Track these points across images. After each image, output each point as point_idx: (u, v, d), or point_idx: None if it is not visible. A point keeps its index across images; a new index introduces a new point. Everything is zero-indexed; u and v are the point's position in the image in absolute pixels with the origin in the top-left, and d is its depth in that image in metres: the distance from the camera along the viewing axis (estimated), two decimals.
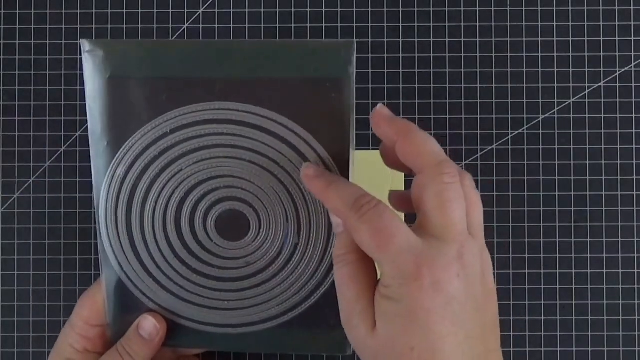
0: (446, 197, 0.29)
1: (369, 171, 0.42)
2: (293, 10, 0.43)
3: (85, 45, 0.33)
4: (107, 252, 0.34)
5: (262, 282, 0.35)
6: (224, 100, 0.33)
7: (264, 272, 0.35)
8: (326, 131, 0.33)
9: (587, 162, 0.43)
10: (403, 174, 0.42)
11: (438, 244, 0.28)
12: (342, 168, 0.33)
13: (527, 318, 0.42)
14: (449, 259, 0.28)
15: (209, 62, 0.33)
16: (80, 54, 0.43)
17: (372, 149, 0.42)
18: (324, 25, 0.43)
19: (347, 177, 0.33)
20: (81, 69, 0.43)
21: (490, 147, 0.43)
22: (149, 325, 0.34)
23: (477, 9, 0.43)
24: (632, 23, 0.43)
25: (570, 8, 0.43)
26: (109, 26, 0.43)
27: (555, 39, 0.43)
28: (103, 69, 0.33)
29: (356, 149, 0.42)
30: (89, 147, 0.43)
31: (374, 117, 0.31)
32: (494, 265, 0.42)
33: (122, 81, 0.33)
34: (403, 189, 0.42)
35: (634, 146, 0.43)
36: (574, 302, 0.42)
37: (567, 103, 0.43)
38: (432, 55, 0.43)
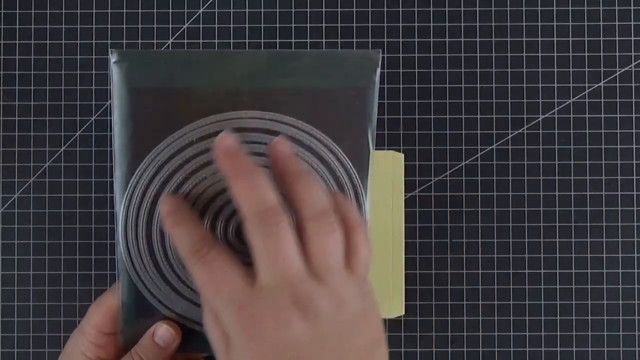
0: (274, 242, 0.28)
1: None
2: (293, 10, 0.43)
3: (114, 55, 0.33)
4: (124, 259, 0.34)
5: None
6: (250, 109, 0.33)
7: None
8: (348, 138, 0.33)
9: (587, 162, 0.43)
10: (403, 174, 0.42)
11: (266, 290, 0.28)
12: (362, 175, 0.34)
13: (527, 318, 0.42)
14: (277, 307, 0.28)
15: (235, 71, 0.33)
16: (80, 54, 0.43)
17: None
18: (324, 25, 0.43)
19: (366, 184, 0.33)
20: (82, 69, 0.43)
21: (490, 147, 0.43)
22: (164, 332, 0.34)
23: (477, 9, 0.43)
24: (632, 23, 0.43)
25: (570, 8, 0.43)
26: (109, 26, 0.43)
27: (555, 39, 0.43)
28: (130, 79, 0.33)
29: None
30: (88, 147, 0.43)
31: (216, 148, 0.31)
32: (494, 265, 0.42)
33: (149, 91, 0.33)
34: (403, 188, 0.42)
35: (634, 146, 0.43)
36: (574, 302, 0.42)
37: (567, 103, 0.43)
38: (432, 55, 0.43)
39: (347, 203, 0.32)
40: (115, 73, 0.33)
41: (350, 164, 0.34)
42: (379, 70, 0.33)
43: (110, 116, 0.35)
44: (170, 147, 0.33)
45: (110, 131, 0.43)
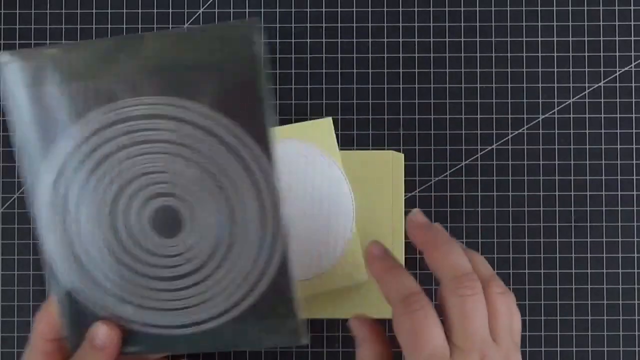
0: (465, 309, 0.31)
1: (368, 171, 0.42)
2: (293, 10, 0.43)
3: (4, 57, 0.33)
4: (50, 263, 0.34)
5: (206, 276, 0.34)
6: (142, 95, 0.33)
7: (206, 267, 0.34)
8: (244, 114, 0.33)
9: (587, 162, 0.43)
10: (403, 174, 0.42)
11: (460, 353, 0.31)
12: (265, 148, 0.33)
13: (527, 318, 0.42)
14: None
15: (121, 58, 0.33)
16: None
17: (373, 149, 0.42)
18: (324, 25, 0.43)
19: (271, 157, 0.33)
20: None
21: (490, 147, 0.43)
22: (101, 333, 0.34)
23: (477, 9, 0.43)
24: (632, 23, 0.43)
25: (570, 8, 0.43)
26: (109, 26, 0.43)
27: (555, 39, 0.43)
28: (22, 78, 0.33)
29: (356, 149, 0.42)
30: None
31: (409, 223, 0.34)
32: (494, 265, 0.42)
33: (43, 88, 0.33)
34: (403, 188, 0.42)
35: (634, 146, 0.43)
36: (574, 302, 0.42)
37: (567, 103, 0.43)
38: (432, 55, 0.43)
39: (481, 262, 0.34)
40: (8, 75, 0.33)
41: (257, 145, 0.33)
42: (261, 40, 0.32)
43: (5, 117, 0.34)
44: (69, 143, 0.33)
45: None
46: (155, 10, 0.43)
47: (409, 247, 0.42)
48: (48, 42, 0.43)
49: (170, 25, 0.43)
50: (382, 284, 0.33)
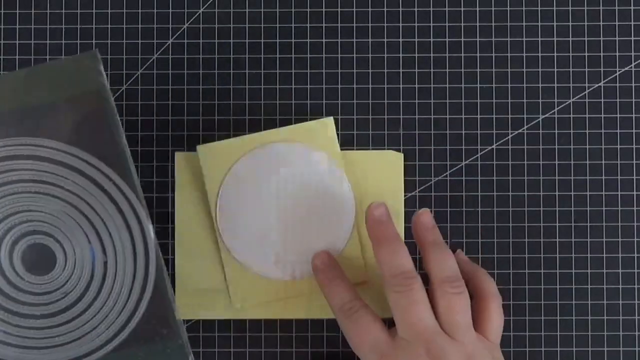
0: (400, 303, 0.34)
1: (368, 171, 0.42)
2: (293, 10, 0.43)
3: None
4: None
5: (85, 308, 0.35)
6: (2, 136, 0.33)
7: (84, 298, 0.35)
8: (98, 144, 0.34)
9: (587, 162, 0.43)
10: (402, 174, 0.42)
11: (403, 342, 0.34)
12: (124, 175, 0.34)
13: (527, 318, 0.42)
14: (412, 356, 0.33)
15: None
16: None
17: (373, 149, 0.42)
18: (324, 25, 0.43)
19: (133, 182, 0.34)
20: None
21: (490, 147, 0.43)
22: None
23: (477, 9, 0.43)
24: (632, 23, 0.43)
25: (570, 8, 0.43)
26: (109, 26, 0.43)
27: (555, 39, 0.43)
28: None
29: (356, 149, 0.42)
30: None
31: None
32: (494, 265, 0.42)
33: None
34: (403, 188, 0.42)
35: (634, 146, 0.43)
36: (574, 302, 0.42)
37: (567, 103, 0.43)
38: (432, 55, 0.43)
39: (483, 274, 0.38)
40: None
41: (116, 174, 0.34)
42: (102, 69, 0.33)
43: None
44: None
45: None
46: (155, 10, 0.43)
47: (409, 247, 0.42)
48: (48, 42, 0.43)
49: (170, 25, 0.43)
50: (325, 295, 0.37)
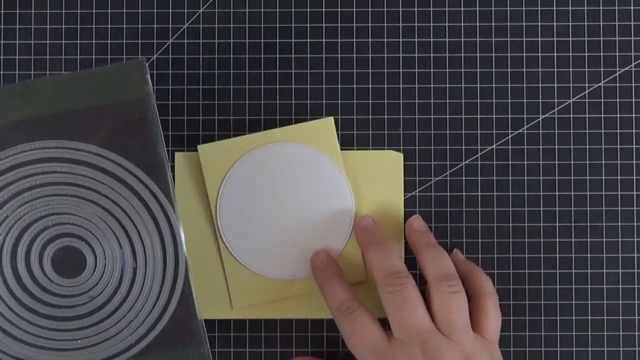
0: (395, 302, 0.34)
1: (368, 171, 0.42)
2: (293, 10, 0.43)
3: None
4: None
5: (111, 312, 0.35)
6: (36, 140, 0.34)
7: (110, 303, 0.35)
8: (138, 152, 0.34)
9: (587, 162, 0.43)
10: (402, 174, 0.42)
11: (399, 343, 0.34)
12: (161, 183, 0.34)
13: (527, 318, 0.42)
14: (409, 357, 0.33)
15: (13, 105, 0.33)
16: (80, 54, 0.43)
17: (373, 149, 0.42)
18: (324, 25, 0.43)
19: (169, 191, 0.34)
20: (82, 68, 0.43)
21: (490, 147, 0.43)
22: None
23: (477, 9, 0.43)
24: (632, 23, 0.43)
25: (570, 8, 0.43)
26: (109, 26, 0.43)
27: (555, 39, 0.43)
28: None
29: (356, 149, 0.42)
30: None
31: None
32: (494, 265, 0.42)
33: None
34: (403, 188, 0.42)
35: (634, 146, 0.43)
36: (574, 302, 0.42)
37: (567, 103, 0.43)
38: (432, 55, 0.43)
39: (479, 273, 0.38)
40: None
41: (153, 182, 0.34)
42: (148, 79, 0.34)
43: None
44: None
45: None
46: (155, 10, 0.43)
47: (409, 247, 0.42)
48: (48, 42, 0.43)
49: (170, 25, 0.43)
50: (322, 294, 0.37)
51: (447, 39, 0.43)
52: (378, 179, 0.42)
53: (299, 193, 0.40)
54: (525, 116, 0.43)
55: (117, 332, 0.35)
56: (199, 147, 0.40)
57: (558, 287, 0.42)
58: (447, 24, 0.43)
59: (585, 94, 0.43)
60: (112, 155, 0.34)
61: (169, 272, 0.35)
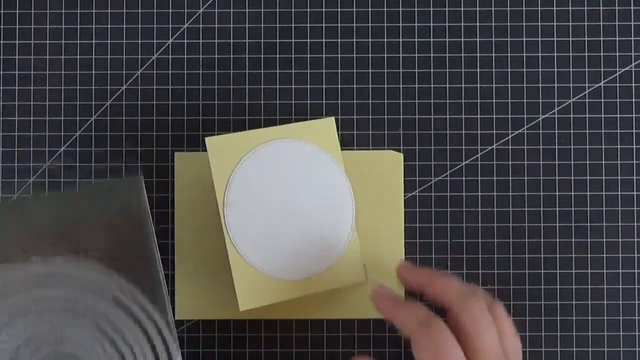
0: (479, 327, 0.32)
1: (368, 171, 0.42)
2: (293, 10, 0.43)
3: None
4: None
5: None
6: (32, 255, 0.34)
7: None
8: (134, 271, 0.34)
9: (587, 162, 0.43)
10: (402, 174, 0.42)
11: None
12: (155, 302, 0.34)
13: (527, 318, 0.42)
14: None
15: (8, 223, 0.34)
16: (80, 54, 0.43)
17: (373, 149, 0.42)
18: (324, 25, 0.43)
19: (165, 313, 0.34)
20: (82, 69, 0.43)
21: (490, 147, 0.43)
22: None
23: (477, 9, 0.43)
24: (632, 23, 0.43)
25: (570, 8, 0.43)
26: (109, 26, 0.43)
27: (555, 39, 0.43)
28: None
29: (356, 149, 0.42)
30: (88, 147, 0.43)
31: (398, 272, 0.38)
32: (494, 265, 0.42)
33: None
34: (403, 188, 0.42)
35: (634, 146, 0.43)
36: (574, 302, 0.42)
37: (567, 103, 0.43)
38: (432, 55, 0.43)
39: (442, 279, 0.36)
40: None
41: (149, 302, 0.34)
42: (144, 192, 0.34)
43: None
44: None
45: (108, 131, 0.43)
46: (155, 10, 0.43)
47: (409, 247, 0.42)
48: (48, 42, 0.43)
49: (170, 25, 0.43)
50: (396, 315, 0.35)
51: (447, 39, 0.43)
52: (378, 179, 0.42)
53: (301, 191, 0.40)
54: (525, 116, 0.43)
55: None
56: (206, 139, 0.39)
57: (558, 287, 0.42)
58: (447, 24, 0.43)
59: (585, 94, 0.43)
60: (109, 273, 0.34)
61: None
